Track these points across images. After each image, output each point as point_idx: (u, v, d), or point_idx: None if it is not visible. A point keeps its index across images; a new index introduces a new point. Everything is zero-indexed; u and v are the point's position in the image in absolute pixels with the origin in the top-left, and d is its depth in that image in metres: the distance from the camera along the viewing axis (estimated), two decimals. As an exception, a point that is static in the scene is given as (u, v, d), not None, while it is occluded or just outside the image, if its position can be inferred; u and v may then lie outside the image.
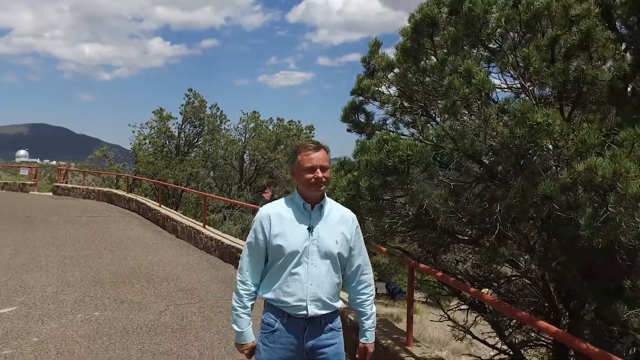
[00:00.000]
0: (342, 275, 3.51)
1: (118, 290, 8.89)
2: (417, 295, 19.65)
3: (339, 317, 3.56)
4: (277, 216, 3.38)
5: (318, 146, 3.34)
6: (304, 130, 31.45)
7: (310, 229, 3.29)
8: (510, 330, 6.50)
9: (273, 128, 32.10)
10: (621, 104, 3.85)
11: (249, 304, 3.44)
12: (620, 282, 3.90)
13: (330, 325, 3.42)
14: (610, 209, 3.21)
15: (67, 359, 5.96)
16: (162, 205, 19.23)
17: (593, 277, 4.49)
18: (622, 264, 3.84)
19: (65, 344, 6.39)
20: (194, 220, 16.50)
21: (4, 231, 14.25)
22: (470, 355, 6.82)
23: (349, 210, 3.54)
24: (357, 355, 3.62)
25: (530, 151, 3.70)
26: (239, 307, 3.45)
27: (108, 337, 6.68)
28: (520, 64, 3.84)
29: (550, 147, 3.60)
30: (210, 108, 33.24)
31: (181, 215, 18.29)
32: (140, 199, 21.46)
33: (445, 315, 6.80)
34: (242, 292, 3.43)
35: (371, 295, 3.59)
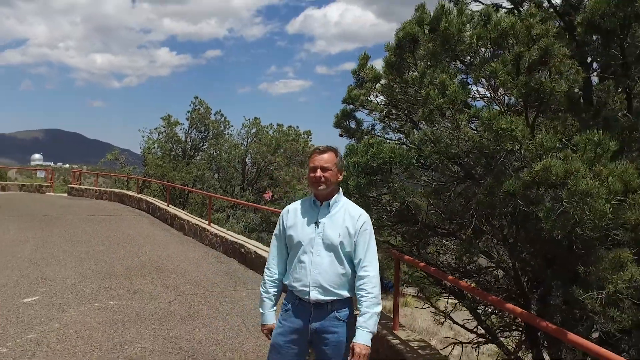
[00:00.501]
0: (351, 271, 3.52)
1: (131, 282, 8.97)
2: (409, 290, 19.81)
3: (348, 308, 3.56)
4: (293, 211, 3.60)
5: (325, 149, 3.50)
6: (302, 135, 31.57)
7: (317, 223, 3.45)
8: (486, 315, 6.72)
9: (273, 133, 32.12)
10: (578, 112, 4.08)
11: (271, 290, 3.62)
12: (577, 269, 4.14)
13: (336, 313, 3.47)
14: (564, 203, 3.45)
15: (86, 342, 6.07)
16: (170, 205, 19.15)
17: (555, 265, 4.70)
18: (579, 253, 4.07)
19: (84, 329, 6.51)
20: (199, 219, 16.43)
21: (24, 229, 14.26)
22: (456, 341, 6.98)
23: (361, 210, 3.58)
24: (350, 354, 3.40)
25: (499, 153, 3.92)
26: (262, 291, 3.65)
27: (123, 324, 6.79)
28: (490, 77, 4.06)
29: (516, 149, 3.82)
30: (214, 114, 33.29)
31: (188, 214, 18.20)
32: (149, 199, 21.33)
33: (429, 303, 7.02)
34: (266, 278, 3.64)
35: (369, 293, 3.42)
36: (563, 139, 4.26)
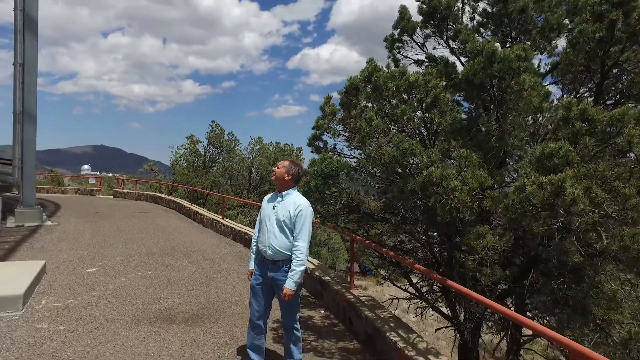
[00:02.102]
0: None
1: (164, 259, 9.47)
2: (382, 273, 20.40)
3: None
4: (266, 199, 4.38)
5: (284, 159, 4.32)
6: (295, 151, 32.05)
7: (274, 206, 4.20)
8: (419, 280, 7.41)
9: (272, 149, 32.53)
10: (461, 136, 4.86)
11: (254, 248, 4.39)
12: (461, 240, 4.90)
13: (284, 268, 4.13)
14: (444, 196, 4.23)
15: (133, 298, 6.67)
16: (192, 204, 19.35)
17: (450, 239, 5.45)
18: (461, 229, 4.84)
19: (131, 289, 7.09)
20: (215, 214, 16.60)
21: (82, 222, 14.57)
22: (393, 297, 7.62)
23: (303, 200, 4.17)
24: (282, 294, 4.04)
25: (405, 164, 4.68)
26: (251, 250, 4.44)
27: (159, 286, 7.36)
28: (401, 114, 4.83)
29: (416, 161, 4.59)
30: (227, 134, 33.48)
31: (206, 211, 18.27)
32: (177, 200, 21.47)
33: (375, 271, 7.72)
34: (252, 241, 4.44)
35: (297, 257, 4.00)
36: (448, 154, 5.07)
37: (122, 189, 29.93)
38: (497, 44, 4.97)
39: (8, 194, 16.25)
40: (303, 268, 4.06)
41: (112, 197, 27.85)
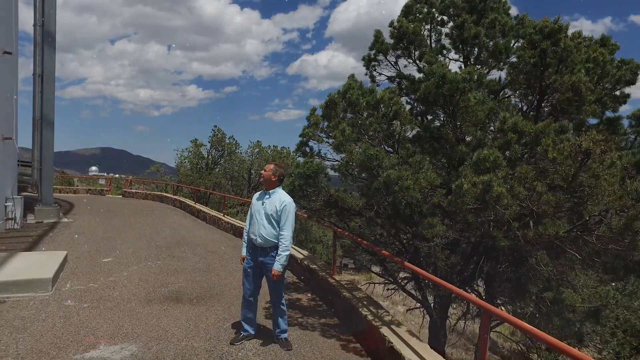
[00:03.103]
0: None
1: (170, 251, 10.11)
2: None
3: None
4: (255, 196, 5.01)
5: (270, 163, 4.94)
6: (291, 154, 32.62)
7: (263, 202, 4.84)
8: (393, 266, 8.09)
9: (270, 152, 33.22)
10: (420, 144, 5.58)
11: (246, 238, 4.98)
12: (416, 230, 5.61)
13: (272, 253, 4.76)
14: (400, 193, 4.95)
15: (144, 283, 7.33)
16: (196, 203, 19.70)
17: (412, 227, 6.17)
18: (418, 221, 5.55)
19: (142, 276, 7.75)
20: (217, 212, 17.12)
21: (96, 219, 15.13)
22: (370, 282, 8.30)
23: (287, 197, 4.77)
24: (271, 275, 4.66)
25: (372, 166, 5.38)
26: (243, 239, 5.02)
27: (166, 274, 8.01)
28: (368, 126, 5.53)
29: (379, 164, 5.28)
30: (228, 138, 34.11)
31: (209, 209, 18.72)
32: (182, 199, 21.87)
33: (354, 259, 8.42)
34: (244, 232, 5.03)
35: (282, 244, 4.60)
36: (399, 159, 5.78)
37: (130, 189, 30.36)
38: (451, 67, 5.70)
39: (26, 193, 16.93)
40: (288, 253, 4.71)
41: (121, 196, 28.29)
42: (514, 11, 7.00)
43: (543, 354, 10.16)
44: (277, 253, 4.73)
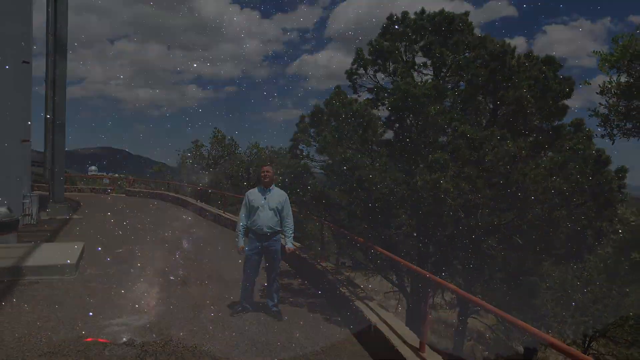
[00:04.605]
0: (281, 219, 5.64)
1: (176, 243, 11.03)
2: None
3: (279, 235, 5.72)
4: (252, 193, 5.83)
5: (268, 164, 5.85)
6: (287, 154, 33.29)
7: (265, 197, 5.71)
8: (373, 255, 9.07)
9: (267, 152, 34.28)
10: (390, 149, 6.59)
11: (242, 230, 5.79)
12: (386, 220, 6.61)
13: (275, 238, 5.70)
14: (370, 189, 5.96)
15: (154, 269, 8.25)
16: (198, 201, 20.68)
17: (383, 218, 7.17)
18: (390, 213, 6.56)
19: (151, 262, 8.73)
20: (217, 209, 17.90)
21: (104, 215, 15.96)
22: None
23: (284, 192, 5.72)
24: (286, 254, 5.72)
25: (349, 167, 6.39)
26: (238, 231, 5.81)
27: (174, 260, 9.01)
28: (348, 133, 6.54)
29: (352, 165, 6.30)
30: (228, 139, 35.11)
31: (210, 206, 19.27)
32: (184, 197, 22.55)
33: (340, 250, 9.38)
34: (240, 225, 5.84)
35: (289, 228, 5.60)
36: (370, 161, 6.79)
37: (134, 187, 30.94)
38: (416, 81, 6.71)
39: (39, 191, 17.89)
40: (292, 234, 5.74)
41: (124, 195, 28.85)
42: (510, 11, 7.86)
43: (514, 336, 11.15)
44: (279, 238, 5.67)
